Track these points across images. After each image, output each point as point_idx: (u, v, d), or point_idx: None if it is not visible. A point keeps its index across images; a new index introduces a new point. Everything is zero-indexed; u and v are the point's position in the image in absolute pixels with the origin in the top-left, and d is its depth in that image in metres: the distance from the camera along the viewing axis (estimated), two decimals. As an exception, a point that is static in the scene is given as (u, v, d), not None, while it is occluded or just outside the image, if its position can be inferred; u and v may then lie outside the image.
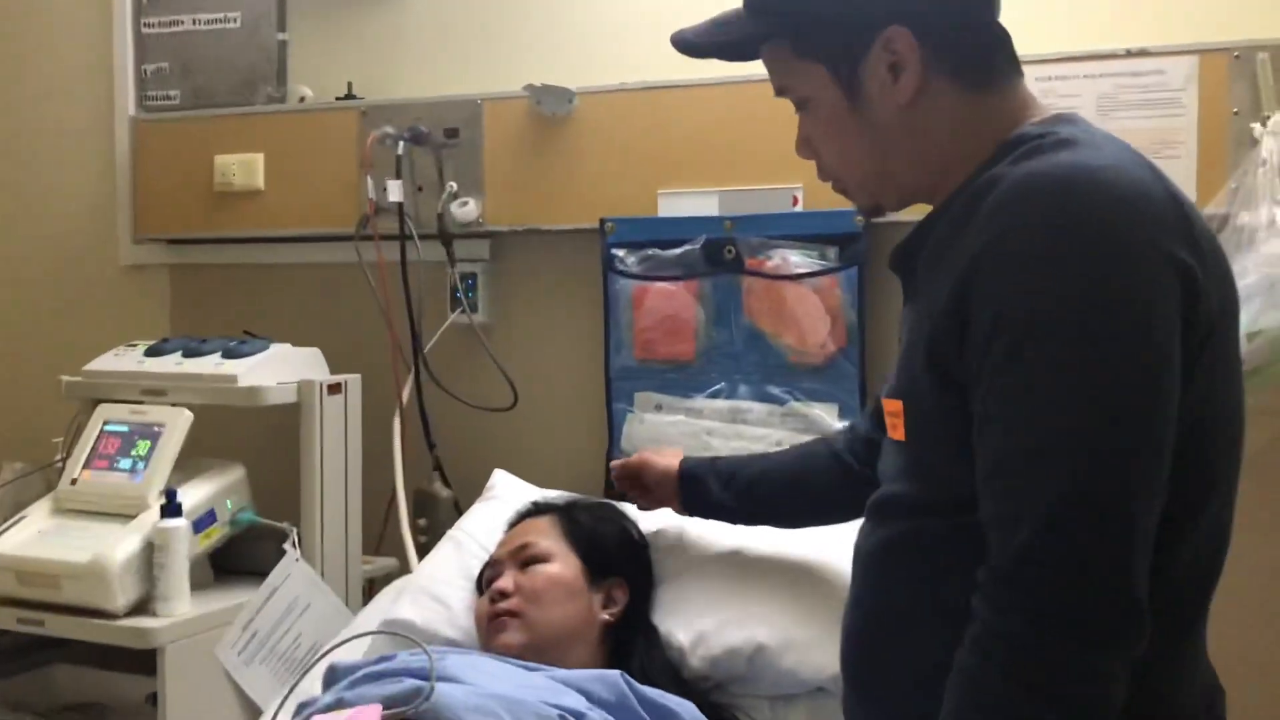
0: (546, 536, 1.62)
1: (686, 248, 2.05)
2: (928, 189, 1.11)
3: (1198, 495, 0.99)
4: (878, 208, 1.18)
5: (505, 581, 1.57)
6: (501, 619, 1.53)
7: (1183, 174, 1.79)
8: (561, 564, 1.58)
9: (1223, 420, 1.01)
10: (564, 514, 1.68)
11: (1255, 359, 1.66)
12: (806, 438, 1.89)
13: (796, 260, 2.00)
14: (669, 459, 1.64)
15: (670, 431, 2.07)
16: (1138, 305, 0.92)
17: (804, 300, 2.00)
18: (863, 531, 1.15)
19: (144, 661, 1.83)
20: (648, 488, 1.66)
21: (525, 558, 1.59)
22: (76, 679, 2.01)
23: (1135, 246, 0.92)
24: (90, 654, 2.00)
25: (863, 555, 1.13)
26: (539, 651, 1.49)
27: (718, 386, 2.07)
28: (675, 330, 2.08)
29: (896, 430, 1.08)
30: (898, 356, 1.12)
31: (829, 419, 1.97)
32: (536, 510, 1.71)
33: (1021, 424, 0.93)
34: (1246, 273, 1.66)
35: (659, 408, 2.10)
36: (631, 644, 1.54)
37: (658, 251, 2.07)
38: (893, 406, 1.08)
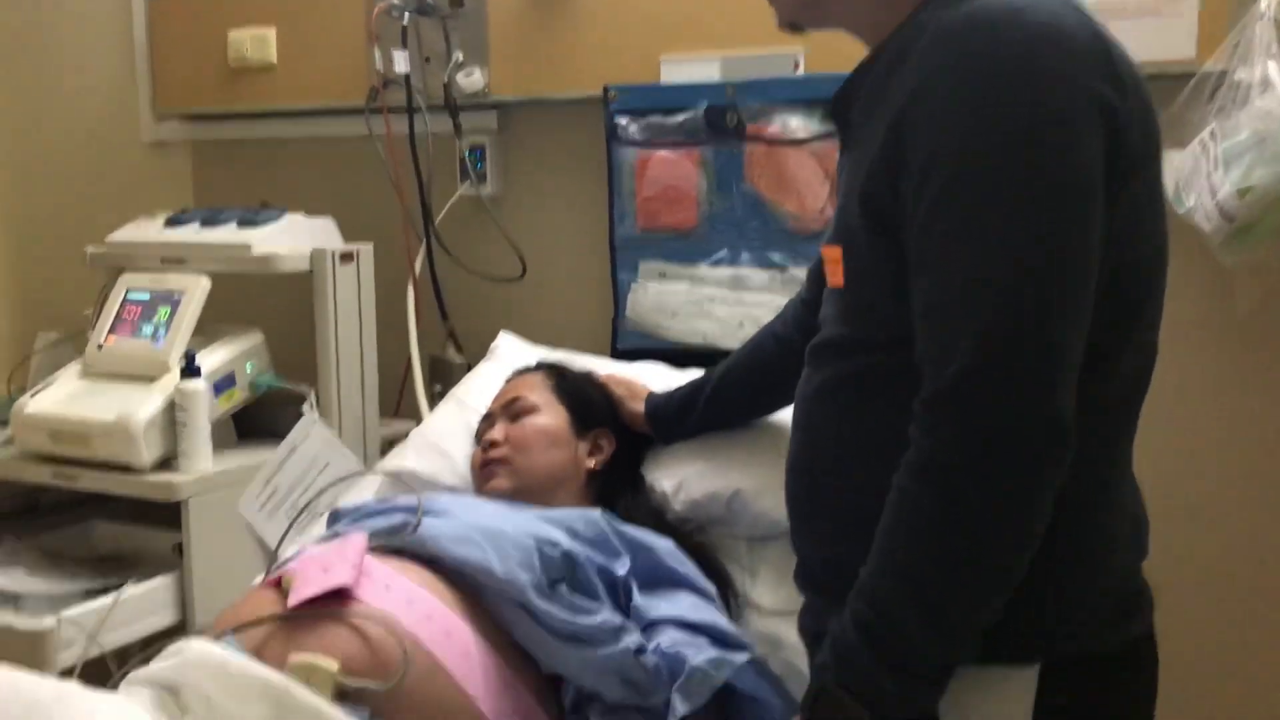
0: (535, 390, 1.69)
1: (689, 114, 2.07)
2: (866, 23, 1.12)
3: (1123, 326, 1.02)
4: (795, 23, 1.19)
5: (496, 432, 1.65)
6: (491, 466, 1.61)
7: (1183, 32, 1.78)
8: (549, 415, 1.66)
9: (1146, 257, 1.04)
10: (553, 370, 1.75)
11: (1246, 215, 1.66)
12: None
13: (797, 125, 2.01)
14: (637, 402, 1.70)
15: (673, 300, 2.11)
16: (1061, 140, 0.94)
17: (804, 166, 2.02)
18: (804, 376, 1.19)
19: (171, 516, 1.93)
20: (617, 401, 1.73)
21: (515, 410, 1.67)
22: (111, 532, 2.13)
23: (1057, 82, 0.94)
24: (122, 509, 2.10)
25: (804, 396, 1.17)
26: (526, 495, 1.56)
27: (720, 254, 2.10)
28: (677, 199, 2.11)
29: (836, 276, 1.11)
30: (835, 206, 1.14)
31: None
32: (529, 367, 1.78)
33: (953, 261, 0.96)
34: (1239, 129, 1.66)
35: (662, 276, 2.14)
36: (617, 491, 1.61)
37: (660, 119, 2.09)
38: (832, 253, 1.11)
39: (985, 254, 0.95)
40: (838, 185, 1.17)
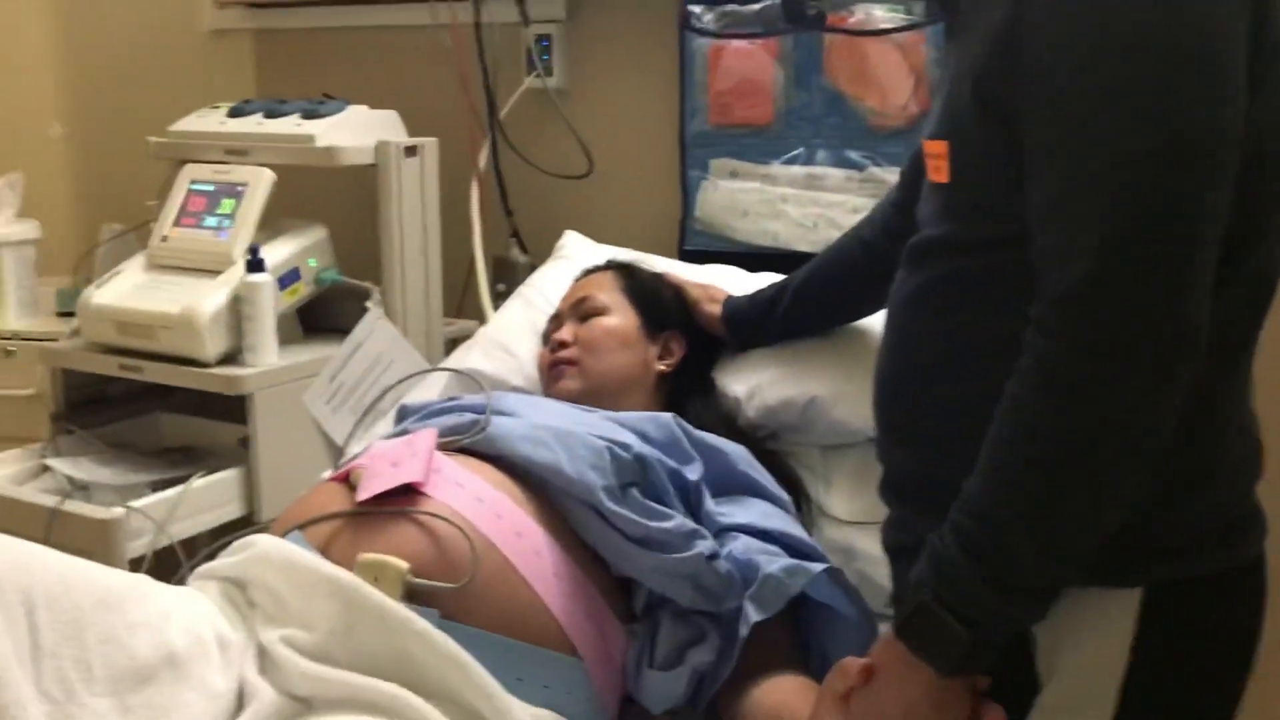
0: (605, 291, 1.65)
1: (766, 2, 1.97)
2: None
3: (1254, 227, 0.95)
4: None
5: (564, 332, 1.61)
6: (560, 367, 1.58)
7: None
8: (619, 316, 1.61)
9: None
10: (624, 270, 1.70)
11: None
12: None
13: (881, 15, 1.91)
14: (714, 305, 1.65)
15: (745, 199, 2.04)
16: (1203, 27, 0.87)
17: (887, 59, 1.92)
18: (899, 278, 1.13)
19: (237, 409, 1.93)
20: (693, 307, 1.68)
21: (584, 310, 1.63)
22: (177, 424, 2.14)
23: None
24: (189, 402, 2.11)
25: (899, 299, 1.12)
26: (595, 397, 1.53)
27: (795, 152, 2.02)
28: (752, 92, 2.03)
29: (940, 172, 1.05)
30: (939, 97, 1.07)
31: (908, 185, 1.93)
32: (598, 267, 1.73)
33: (1080, 149, 0.90)
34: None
35: (734, 174, 2.07)
36: (688, 395, 1.57)
37: (736, 7, 2.00)
38: (936, 148, 1.05)
39: (1116, 140, 0.88)
40: (942, 74, 1.09)
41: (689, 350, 1.63)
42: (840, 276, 1.53)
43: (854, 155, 1.98)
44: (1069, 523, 0.91)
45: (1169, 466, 0.93)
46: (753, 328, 1.61)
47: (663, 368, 1.61)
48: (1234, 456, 1.02)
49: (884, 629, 1.26)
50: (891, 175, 1.94)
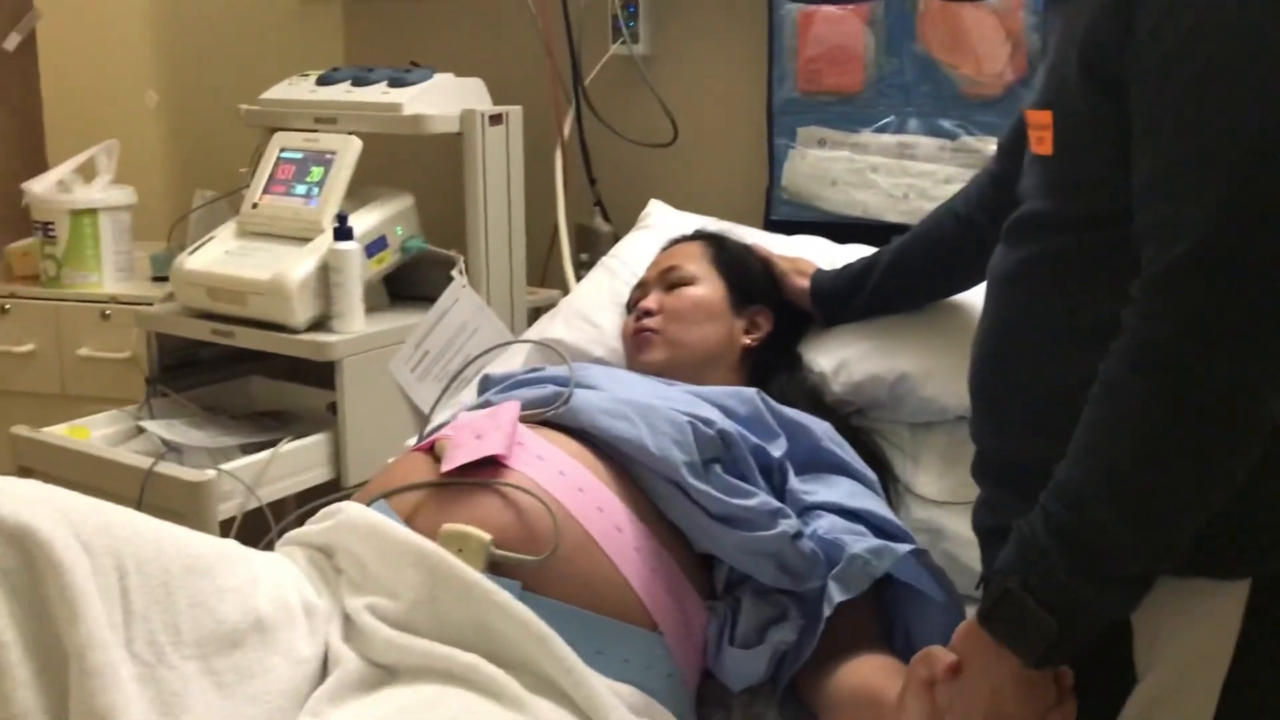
0: (694, 261, 1.62)
1: (858, -33, 1.93)
2: None
3: None
4: None
5: (650, 301, 1.59)
6: (645, 336, 1.56)
7: None
8: (706, 287, 1.59)
9: None
10: (713, 240, 1.67)
11: None
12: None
13: (976, -20, 1.86)
14: (802, 278, 1.61)
15: (833, 168, 2.00)
16: None
17: (983, 24, 1.87)
18: (998, 254, 1.09)
19: (324, 376, 1.96)
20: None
21: (672, 280, 1.60)
22: (268, 389, 2.18)
23: None
24: (279, 368, 2.15)
25: (998, 276, 1.08)
26: (679, 369, 1.51)
27: (886, 120, 1.98)
28: (842, 59, 1.98)
29: (1043, 144, 1.01)
30: (1043, 66, 1.03)
31: (1003, 155, 1.87)
32: (686, 236, 1.71)
33: (1189, 126, 0.86)
34: None
35: (822, 143, 2.03)
36: (773, 370, 1.55)
37: (827, -28, 1.96)
38: (1040, 119, 1.01)
39: (1230, 112, 0.84)
40: (1044, 41, 1.05)
41: (775, 325, 1.60)
42: (933, 251, 1.49)
43: (946, 124, 1.93)
44: (1167, 510, 0.88)
45: (1274, 452, 0.89)
46: (841, 302, 1.58)
47: (748, 342, 1.58)
48: None
49: (971, 612, 1.24)
50: (985, 145, 1.88)
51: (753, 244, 1.70)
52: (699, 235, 1.70)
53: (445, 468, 1.20)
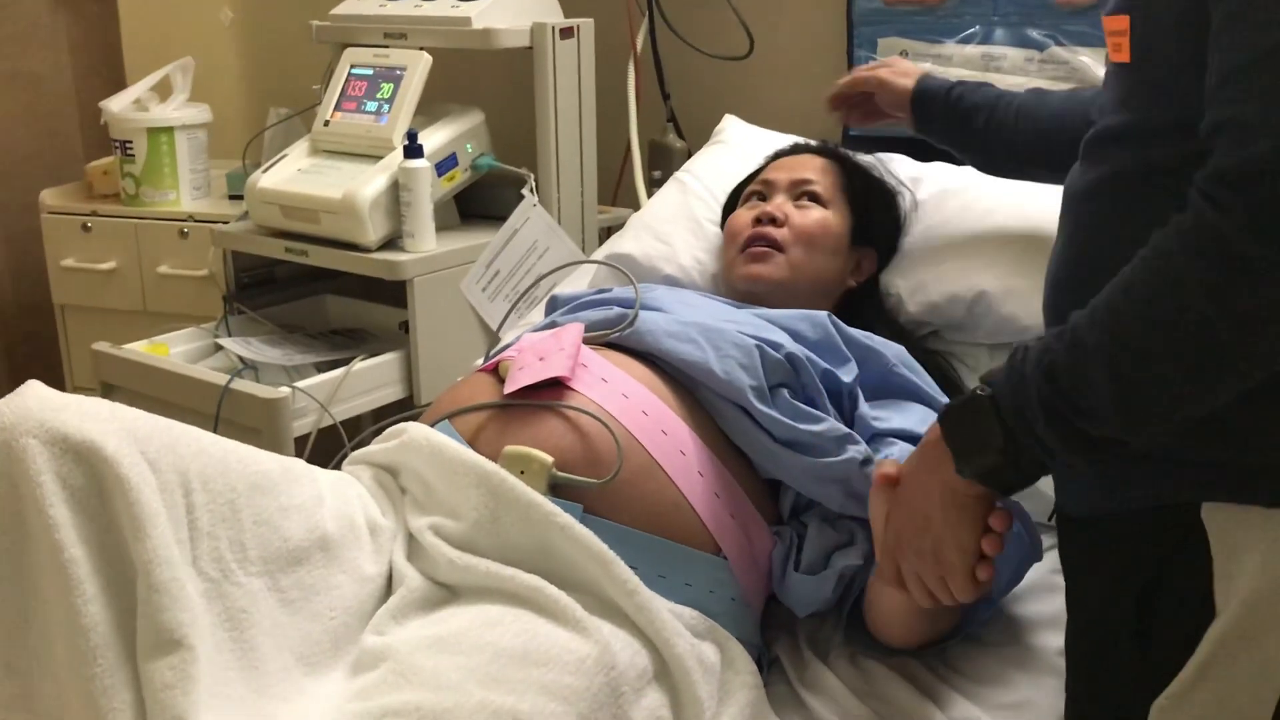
0: (827, 179, 1.53)
1: None
2: None
3: None
4: None
5: (781, 208, 1.48)
6: (765, 248, 1.46)
7: None
8: (837, 215, 1.51)
9: None
10: (844, 165, 1.57)
11: None
12: (1066, 86, 1.72)
13: (1072, -123, 1.76)
14: (905, 79, 1.51)
15: (915, 80, 1.93)
16: None
17: (1077, -74, 1.77)
18: (1075, 172, 1.04)
19: (397, 294, 1.96)
20: (876, 111, 1.57)
21: (804, 191, 1.51)
22: (342, 307, 2.19)
23: None
24: (353, 286, 2.16)
25: (1075, 195, 1.03)
26: (784, 294, 1.44)
27: (971, 30, 1.90)
28: (926, -34, 1.90)
29: (1120, 51, 0.95)
30: None
31: (1096, 66, 1.78)
32: (812, 147, 1.61)
33: (1272, 18, 0.80)
34: None
35: (904, 54, 1.96)
36: (862, 308, 1.49)
37: (911, -127, 1.87)
38: (1117, 24, 0.95)
39: None
40: None
41: (876, 269, 1.54)
42: (1052, 120, 1.40)
43: (1034, 34, 1.84)
44: (1159, 394, 0.85)
45: None
46: (941, 126, 1.49)
47: (852, 283, 1.52)
48: None
49: (1045, 540, 1.21)
50: (1075, 56, 1.80)
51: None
52: (830, 153, 1.60)
53: (508, 389, 1.19)
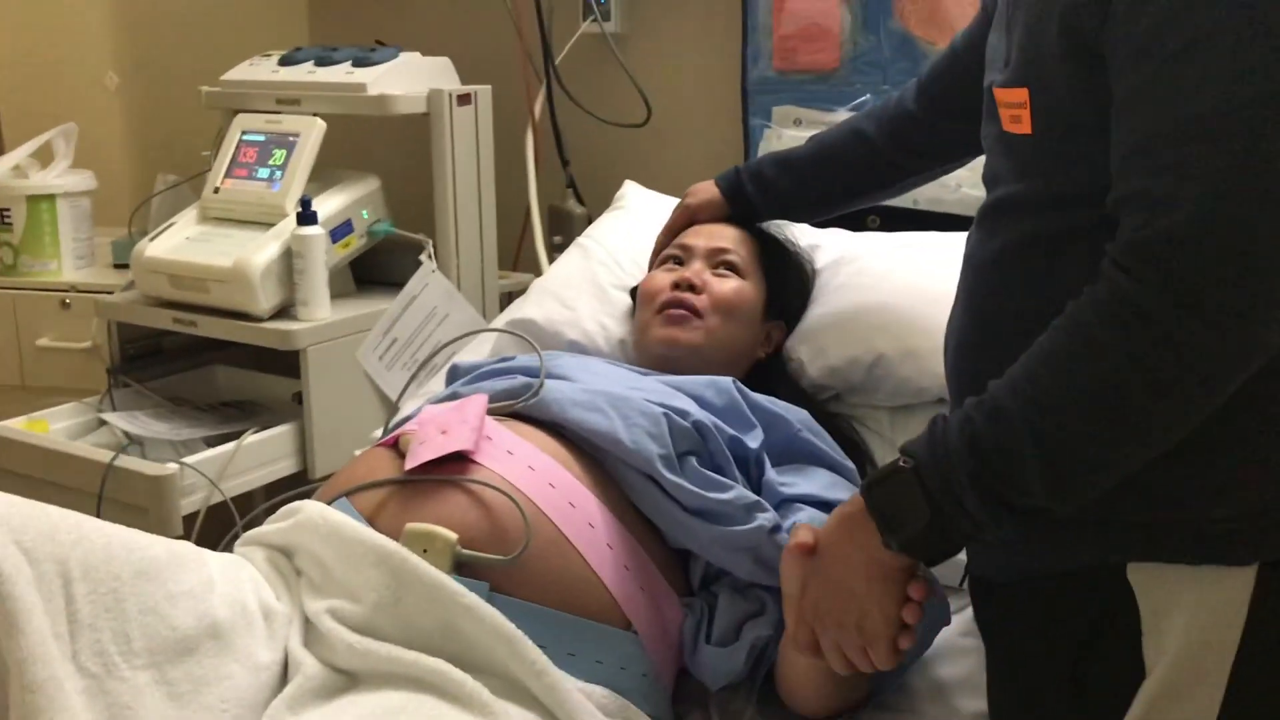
0: (744, 250, 1.53)
1: (833, -57, 1.89)
2: None
3: None
4: None
5: (700, 274, 1.47)
6: (683, 314, 1.45)
7: None
8: (753, 286, 1.51)
9: None
10: (760, 238, 1.57)
11: None
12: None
13: (954, -47, 1.82)
14: (705, 193, 1.57)
15: (810, 147, 1.96)
16: None
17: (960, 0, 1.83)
18: (974, 240, 1.06)
19: (290, 364, 1.91)
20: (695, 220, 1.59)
21: (722, 260, 1.50)
22: (233, 378, 2.13)
23: None
24: (244, 356, 2.10)
25: (976, 262, 1.05)
26: (698, 361, 1.43)
27: (862, 98, 1.94)
28: (818, 36, 1.95)
29: (1020, 123, 0.97)
30: (1012, 41, 0.99)
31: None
32: (730, 217, 1.59)
33: (1175, 95, 0.83)
34: None
35: (798, 122, 1.99)
36: (766, 375, 1.49)
37: (801, -53, 1.91)
38: (1014, 96, 0.97)
39: (1216, 83, 0.81)
40: (1009, 18, 1.01)
41: (783, 342, 1.55)
42: (843, 172, 1.49)
43: (925, 101, 1.89)
44: (1085, 462, 0.87)
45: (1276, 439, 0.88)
46: (748, 203, 1.55)
47: (762, 355, 1.52)
48: None
49: (954, 602, 1.21)
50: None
51: (792, 248, 1.63)
52: (747, 224, 1.59)
53: (410, 465, 1.15)
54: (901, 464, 0.93)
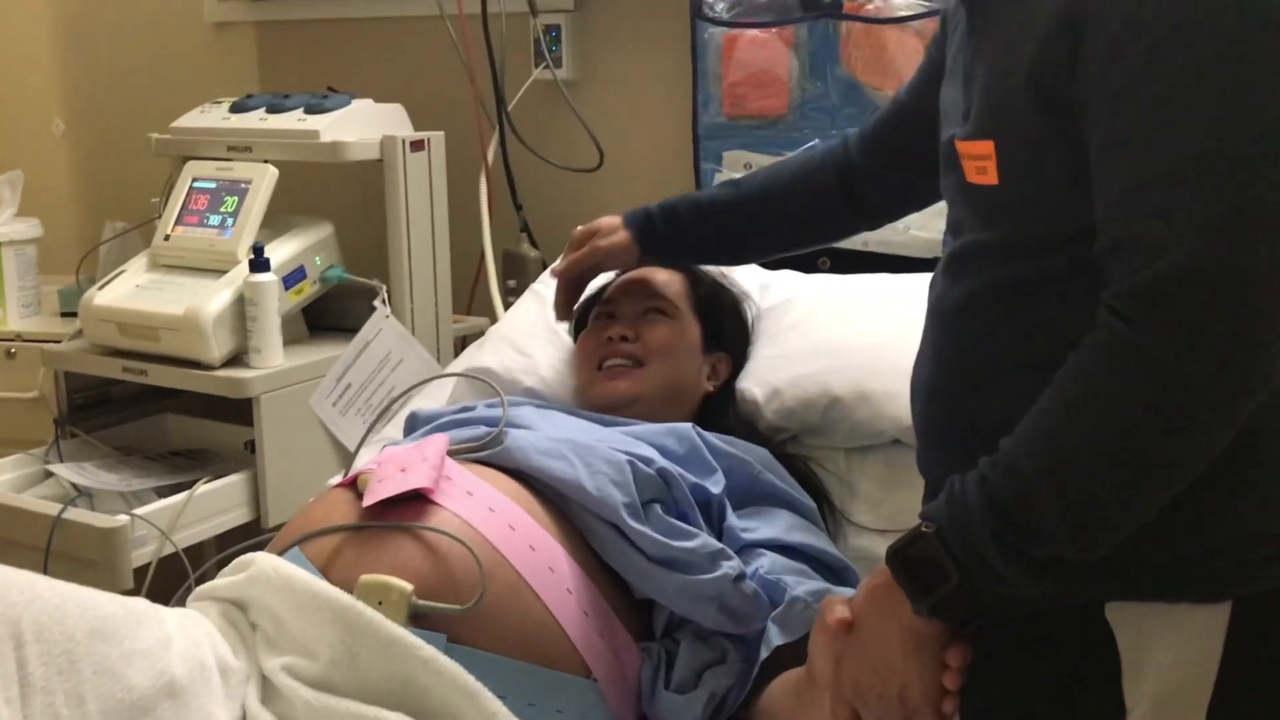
0: (672, 289, 1.54)
1: (780, -10, 1.92)
2: None
3: None
4: None
5: (626, 326, 1.49)
6: (621, 365, 1.46)
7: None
8: (686, 324, 1.52)
9: None
10: (688, 274, 1.59)
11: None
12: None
13: (900, 1, 1.86)
14: (615, 235, 1.51)
15: (761, 191, 1.99)
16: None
17: (906, 46, 1.87)
18: (939, 287, 1.07)
19: (243, 412, 1.89)
20: (602, 269, 1.56)
21: (649, 306, 1.51)
22: (184, 427, 2.10)
23: None
24: (196, 404, 2.08)
25: (944, 310, 1.06)
26: (646, 407, 1.44)
27: (810, 143, 1.96)
28: (767, 83, 1.97)
29: (986, 174, 0.99)
30: (972, 94, 1.01)
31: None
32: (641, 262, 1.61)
33: (1163, 140, 0.85)
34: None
35: (748, 166, 2.02)
36: (720, 415, 1.50)
37: (750, -5, 1.95)
38: (979, 149, 0.99)
39: (1201, 126, 0.83)
40: (965, 70, 1.04)
41: (731, 373, 1.56)
42: (777, 220, 1.45)
43: (873, 146, 1.92)
44: (1107, 509, 0.87)
45: (1254, 477, 0.91)
46: (663, 244, 1.51)
47: (710, 388, 1.53)
48: None
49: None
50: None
51: (723, 282, 1.62)
52: (677, 266, 1.60)
53: (368, 500, 1.14)
54: (923, 529, 0.92)
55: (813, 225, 1.46)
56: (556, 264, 1.57)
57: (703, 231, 1.48)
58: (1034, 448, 0.89)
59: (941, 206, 1.13)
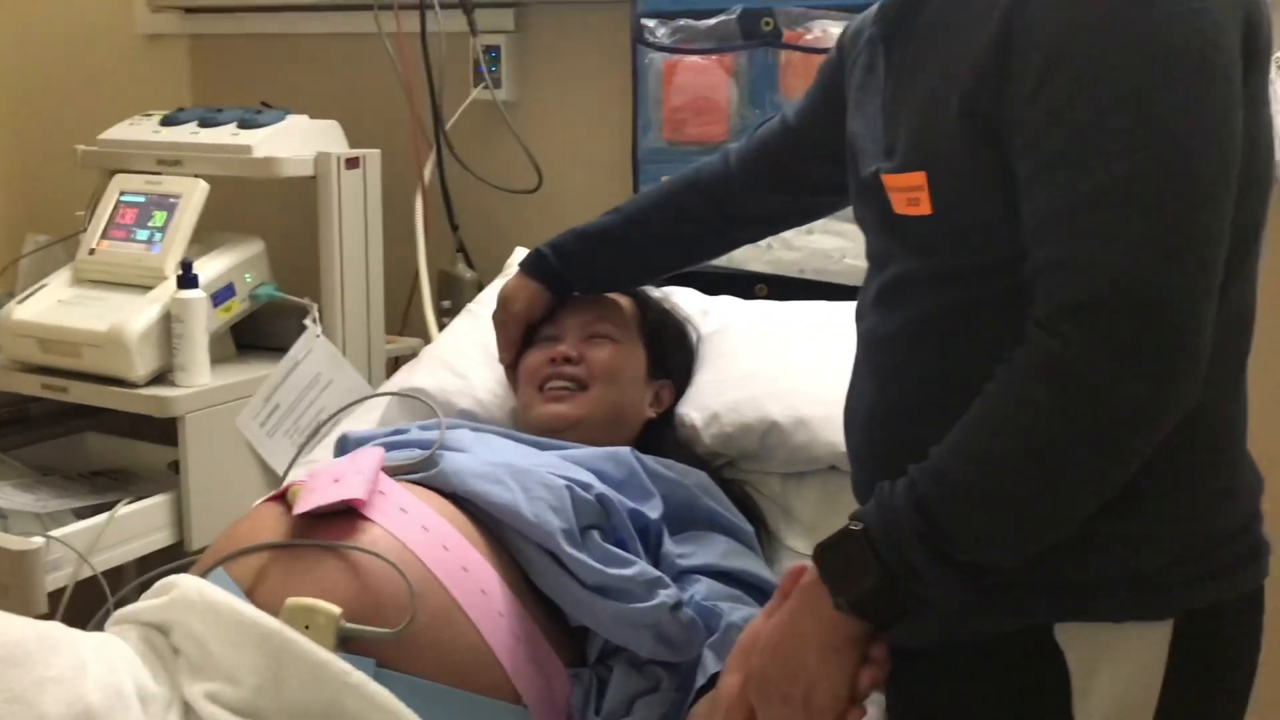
0: (619, 314, 1.53)
1: (721, 18, 1.93)
2: None
3: (1241, 244, 0.92)
4: None
5: (570, 348, 1.48)
6: (563, 387, 1.45)
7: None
8: (632, 348, 1.51)
9: (1259, 161, 0.93)
10: (636, 299, 1.58)
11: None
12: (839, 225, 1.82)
13: (839, 32, 1.87)
14: (524, 290, 1.53)
15: (699, 216, 1.99)
16: (1207, 34, 0.85)
17: (843, 77, 1.89)
18: (872, 318, 1.08)
19: (167, 432, 1.85)
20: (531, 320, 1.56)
21: (595, 331, 1.50)
22: (105, 446, 2.04)
23: None
24: (118, 423, 2.02)
25: (879, 339, 1.07)
26: (587, 430, 1.42)
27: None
28: (706, 109, 1.98)
29: (919, 205, 0.99)
30: (896, 129, 1.02)
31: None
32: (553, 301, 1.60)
33: (1093, 163, 0.86)
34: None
35: (687, 191, 2.02)
36: (659, 439, 1.49)
37: (691, 22, 1.95)
38: (910, 180, 0.99)
39: (1128, 150, 0.85)
40: (884, 106, 1.05)
41: (674, 400, 1.55)
42: (660, 240, 1.49)
43: (812, 174, 1.94)
44: (1031, 519, 0.89)
45: (1200, 492, 0.93)
46: (567, 279, 1.53)
47: (652, 415, 1.52)
48: (1251, 478, 1.01)
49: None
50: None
51: (667, 306, 1.64)
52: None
53: (298, 509, 1.11)
54: (851, 527, 0.94)
55: (696, 244, 1.51)
56: (502, 357, 1.58)
57: (594, 261, 1.52)
58: (959, 454, 0.91)
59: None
